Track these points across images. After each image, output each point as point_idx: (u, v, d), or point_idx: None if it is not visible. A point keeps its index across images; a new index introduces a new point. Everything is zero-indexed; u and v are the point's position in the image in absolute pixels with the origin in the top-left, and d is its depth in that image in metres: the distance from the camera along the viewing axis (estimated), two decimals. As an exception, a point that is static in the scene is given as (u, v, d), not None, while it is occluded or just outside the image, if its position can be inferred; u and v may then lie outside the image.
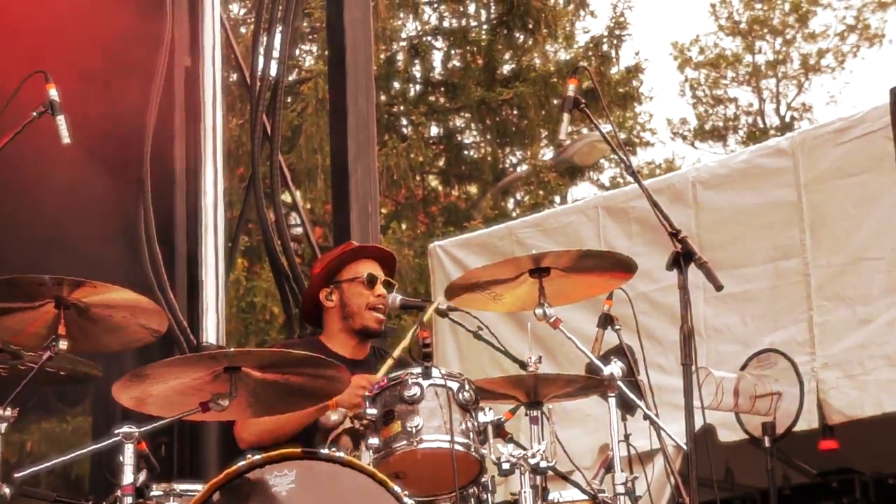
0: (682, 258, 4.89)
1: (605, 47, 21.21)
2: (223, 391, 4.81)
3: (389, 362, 5.88)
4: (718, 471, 8.31)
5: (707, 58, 28.41)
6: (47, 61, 5.55)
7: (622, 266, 5.49)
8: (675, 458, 6.42)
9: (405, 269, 17.20)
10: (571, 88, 5.36)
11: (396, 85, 20.77)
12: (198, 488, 4.73)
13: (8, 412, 4.75)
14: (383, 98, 20.04)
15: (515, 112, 20.33)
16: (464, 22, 21.21)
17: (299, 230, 16.18)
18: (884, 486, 8.36)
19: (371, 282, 6.22)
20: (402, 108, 20.75)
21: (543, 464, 5.07)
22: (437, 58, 21.18)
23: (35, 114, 5.32)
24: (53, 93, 5.32)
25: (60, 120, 5.31)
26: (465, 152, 21.35)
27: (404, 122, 20.83)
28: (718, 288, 4.83)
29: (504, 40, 20.73)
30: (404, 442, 5.00)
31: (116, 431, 4.70)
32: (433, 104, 21.04)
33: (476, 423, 5.13)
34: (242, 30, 17.89)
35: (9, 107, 5.46)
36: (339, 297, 6.25)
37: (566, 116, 5.37)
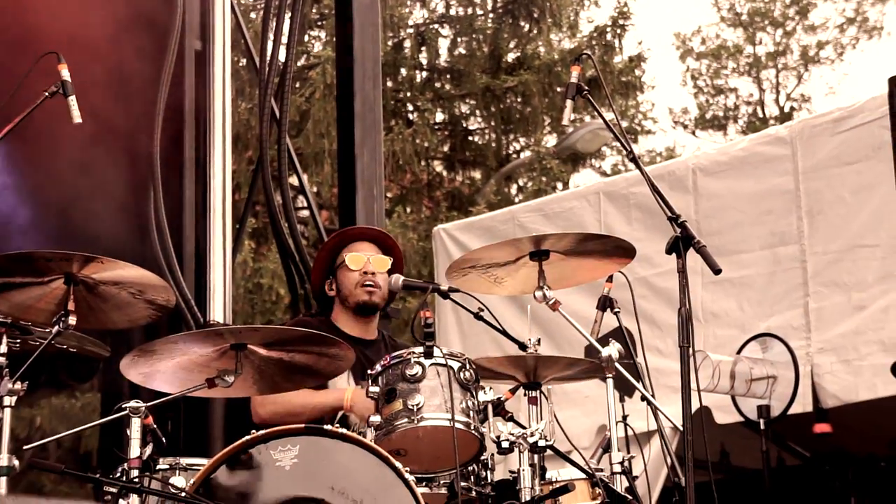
0: (681, 242, 4.87)
1: (608, 37, 21.23)
2: (229, 368, 4.87)
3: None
4: (714, 452, 8.42)
5: (708, 48, 28.40)
6: (59, 43, 5.58)
7: (622, 250, 5.49)
8: (672, 440, 6.47)
9: (409, 253, 17.27)
10: (575, 75, 5.35)
11: (403, 71, 20.79)
12: (203, 462, 4.78)
13: (17, 386, 4.77)
14: (390, 84, 20.07)
15: (519, 99, 20.38)
16: (470, 10, 21.25)
17: (306, 213, 16.31)
18: (876, 469, 8.45)
19: (354, 261, 6.25)
20: (408, 94, 20.78)
21: (542, 443, 5.10)
22: (443, 45, 21.22)
23: (47, 93, 5.34)
24: (65, 73, 5.33)
25: (72, 100, 5.31)
26: (470, 138, 21.40)
27: (410, 107, 20.87)
28: (716, 272, 4.81)
29: (509, 29, 20.78)
30: (405, 420, 5.05)
31: (124, 406, 4.75)
32: (439, 91, 21.07)
33: (476, 402, 5.18)
34: (252, 15, 17.93)
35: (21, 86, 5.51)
36: (336, 285, 6.32)
37: (569, 103, 5.35)
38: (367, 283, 6.21)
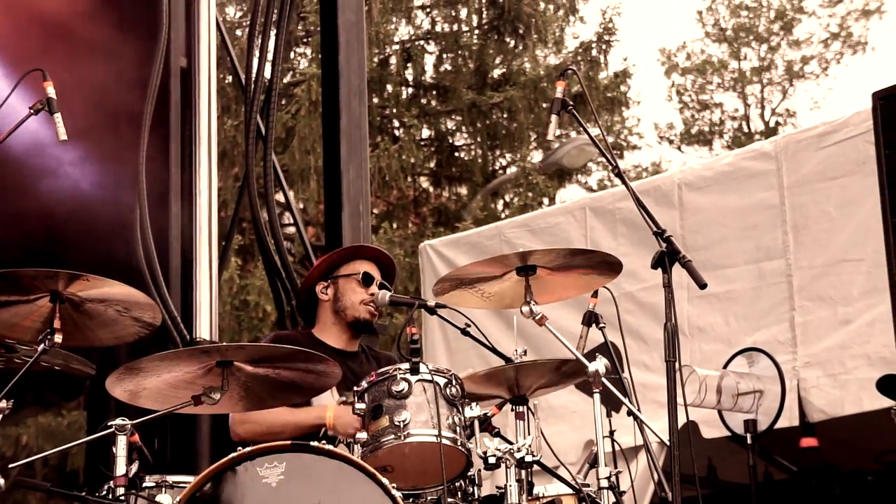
0: (667, 257, 4.88)
1: (593, 52, 21.29)
2: (215, 385, 4.89)
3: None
4: (701, 467, 8.41)
5: (693, 63, 28.51)
6: (43, 61, 5.56)
7: (608, 265, 5.49)
8: (659, 455, 6.47)
9: (396, 268, 17.25)
10: (560, 91, 5.37)
11: (389, 88, 20.80)
12: (190, 480, 4.77)
13: (3, 404, 4.73)
14: (376, 100, 20.10)
15: (505, 115, 20.41)
16: (455, 27, 21.27)
17: (292, 229, 16.28)
18: (863, 483, 8.45)
19: (367, 280, 6.29)
20: (394, 110, 20.80)
21: (529, 458, 5.10)
22: (429, 61, 21.24)
23: (32, 111, 5.34)
24: (51, 90, 5.30)
25: (57, 117, 5.27)
26: (456, 154, 21.42)
27: (396, 124, 20.89)
28: (702, 286, 4.83)
29: (495, 45, 20.81)
30: (392, 436, 5.06)
31: (110, 424, 4.74)
32: (425, 107, 21.09)
33: (463, 418, 5.19)
34: (238, 32, 17.94)
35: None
36: (333, 292, 6.32)
37: (554, 118, 5.36)
38: (371, 305, 6.24)
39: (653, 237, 4.97)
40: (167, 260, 8.14)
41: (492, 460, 5.11)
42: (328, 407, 5.80)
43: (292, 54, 20.39)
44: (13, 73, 5.58)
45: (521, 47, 20.92)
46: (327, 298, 6.33)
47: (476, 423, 5.23)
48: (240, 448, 4.72)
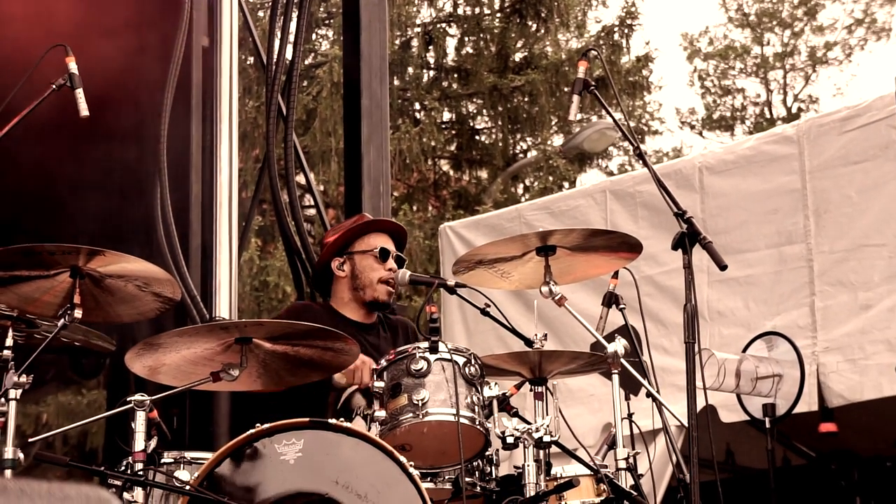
0: (688, 238, 4.87)
1: (615, 36, 21.25)
2: (234, 362, 4.89)
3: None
4: (719, 451, 8.40)
5: (716, 49, 28.43)
6: (67, 36, 5.57)
7: (628, 246, 5.49)
8: (677, 438, 6.48)
9: (415, 251, 17.29)
10: (582, 71, 5.36)
11: (410, 70, 20.80)
12: (208, 456, 4.78)
13: (22, 379, 4.74)
14: (397, 83, 20.11)
15: (527, 99, 20.40)
16: (477, 9, 21.25)
17: (312, 211, 16.29)
18: (881, 468, 8.44)
19: (384, 256, 6.28)
20: (415, 93, 20.80)
21: (547, 438, 5.10)
22: (450, 44, 21.24)
23: (55, 86, 5.35)
24: (73, 66, 5.33)
25: (79, 93, 5.29)
26: (477, 137, 21.41)
27: (417, 106, 20.89)
28: (722, 267, 4.81)
29: (517, 28, 20.78)
30: (410, 414, 5.07)
31: (129, 399, 4.75)
32: (446, 90, 21.09)
33: (481, 397, 5.19)
34: (260, 13, 17.96)
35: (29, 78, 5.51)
36: (350, 268, 6.30)
37: (576, 98, 5.34)
38: (389, 281, 6.23)
39: (673, 221, 4.95)
40: (188, 240, 8.16)
41: (510, 440, 5.09)
42: None
43: (314, 35, 20.41)
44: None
45: (542, 31, 20.89)
46: (344, 275, 6.32)
47: (494, 402, 5.22)
48: (258, 425, 4.72)
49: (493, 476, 5.26)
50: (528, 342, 5.64)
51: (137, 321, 5.47)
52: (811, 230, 7.75)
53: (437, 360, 5.18)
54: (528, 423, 5.21)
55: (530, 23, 20.81)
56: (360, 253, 6.30)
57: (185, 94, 8.32)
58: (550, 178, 20.59)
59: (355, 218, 6.63)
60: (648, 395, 5.42)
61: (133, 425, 4.76)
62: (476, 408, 5.15)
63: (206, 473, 4.65)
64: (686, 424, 4.78)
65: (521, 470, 5.14)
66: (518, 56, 21.01)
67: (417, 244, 17.58)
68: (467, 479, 5.13)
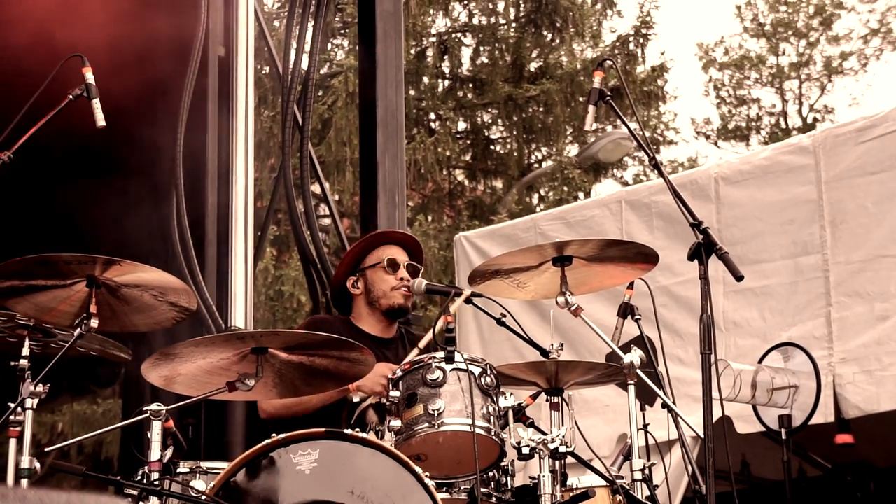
0: (704, 248, 4.87)
1: (631, 46, 21.27)
2: (250, 371, 4.89)
3: (415, 352, 5.95)
4: (735, 462, 8.38)
5: (731, 59, 28.40)
6: (84, 47, 5.59)
7: (643, 256, 5.48)
8: (693, 449, 6.45)
9: (430, 261, 17.30)
10: (597, 81, 5.36)
11: (425, 80, 20.83)
12: (223, 466, 4.79)
13: (39, 388, 4.77)
14: (412, 93, 20.13)
15: (542, 109, 20.42)
16: (493, 19, 21.29)
17: (328, 221, 16.31)
18: (898, 480, 8.41)
19: (393, 265, 6.30)
20: (430, 102, 20.82)
21: (562, 449, 5.09)
22: (465, 54, 21.28)
23: (71, 96, 5.36)
24: (90, 76, 5.33)
25: (96, 103, 5.30)
26: (492, 147, 21.43)
27: (432, 116, 20.92)
28: (738, 278, 4.79)
29: (532, 38, 20.81)
30: (426, 424, 5.06)
31: (144, 409, 4.75)
32: (461, 99, 21.11)
33: (497, 408, 5.18)
34: (276, 23, 18.01)
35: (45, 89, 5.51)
36: (364, 284, 6.33)
37: (592, 108, 5.36)
38: (405, 286, 6.23)
39: (689, 231, 4.94)
40: (203, 250, 8.17)
41: (525, 450, 5.09)
42: None
43: (329, 45, 20.45)
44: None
45: (558, 40, 20.92)
46: (359, 292, 6.35)
47: (510, 413, 5.21)
48: (273, 435, 4.73)
49: (509, 487, 5.27)
50: (544, 352, 5.64)
51: (153, 331, 5.50)
52: (827, 241, 7.72)
53: (452, 370, 5.17)
54: (544, 433, 5.19)
55: (545, 32, 20.84)
56: (370, 267, 6.33)
57: (202, 104, 8.34)
58: (565, 188, 20.58)
59: (366, 235, 6.65)
60: (664, 405, 5.41)
61: (149, 435, 4.76)
62: (492, 418, 5.14)
63: (221, 483, 4.66)
64: (702, 435, 4.78)
65: (536, 481, 5.12)
66: (533, 66, 21.03)
67: (432, 255, 17.60)
68: (483, 490, 5.13)
